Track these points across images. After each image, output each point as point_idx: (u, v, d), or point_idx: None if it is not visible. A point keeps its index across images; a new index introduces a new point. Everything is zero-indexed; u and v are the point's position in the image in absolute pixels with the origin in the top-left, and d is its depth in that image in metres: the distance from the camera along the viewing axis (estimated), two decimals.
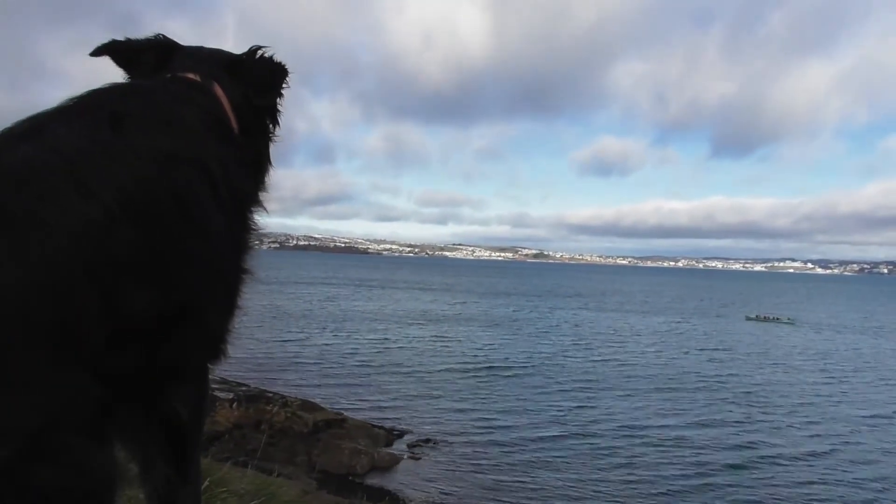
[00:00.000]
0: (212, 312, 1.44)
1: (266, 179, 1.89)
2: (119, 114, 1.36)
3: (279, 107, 1.93)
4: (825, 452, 19.57)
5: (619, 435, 20.26)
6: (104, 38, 1.80)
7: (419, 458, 17.80)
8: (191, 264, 1.34)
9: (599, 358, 34.81)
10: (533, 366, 31.84)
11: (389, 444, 18.98)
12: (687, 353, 37.72)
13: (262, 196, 1.83)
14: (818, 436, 21.29)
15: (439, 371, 29.59)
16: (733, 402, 25.35)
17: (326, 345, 35.66)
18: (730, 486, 16.43)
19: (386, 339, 38.88)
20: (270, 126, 1.92)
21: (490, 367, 30.86)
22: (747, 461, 18.37)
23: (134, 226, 1.21)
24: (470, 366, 31.07)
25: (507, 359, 33.45)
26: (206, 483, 2.29)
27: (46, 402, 1.05)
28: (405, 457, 17.82)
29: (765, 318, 57.20)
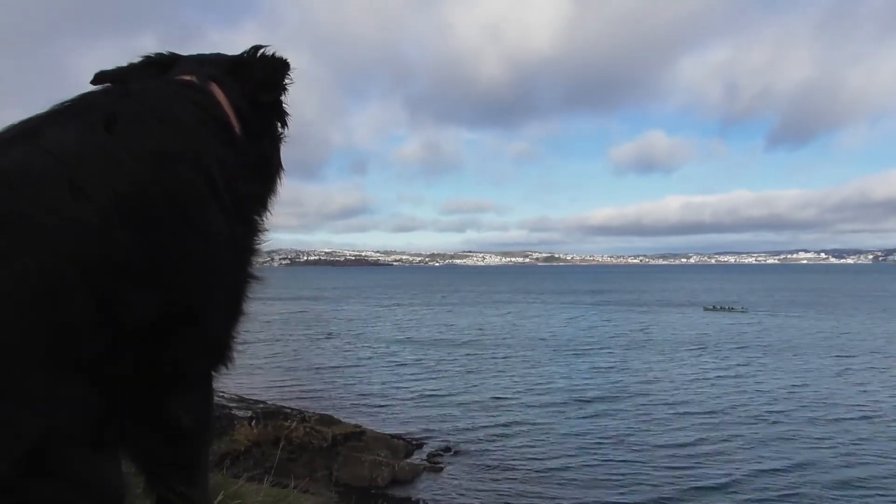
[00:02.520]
0: (213, 317, 1.39)
1: (276, 182, 1.82)
2: (112, 114, 1.32)
3: (285, 106, 1.86)
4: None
5: (663, 446, 19.88)
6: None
7: (441, 468, 17.66)
8: (189, 266, 1.30)
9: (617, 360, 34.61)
10: (556, 371, 31.66)
11: (409, 454, 18.86)
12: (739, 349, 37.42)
13: (271, 199, 1.77)
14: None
15: (457, 380, 29.46)
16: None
17: (340, 359, 35.65)
18: None
19: (396, 351, 38.81)
20: (279, 127, 1.86)
21: (508, 376, 30.73)
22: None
23: (129, 227, 1.17)
24: (490, 375, 30.92)
25: (527, 365, 33.31)
26: (221, 496, 2.23)
27: (44, 413, 1.00)
28: (425, 467, 17.70)
29: (721, 307, 63.43)
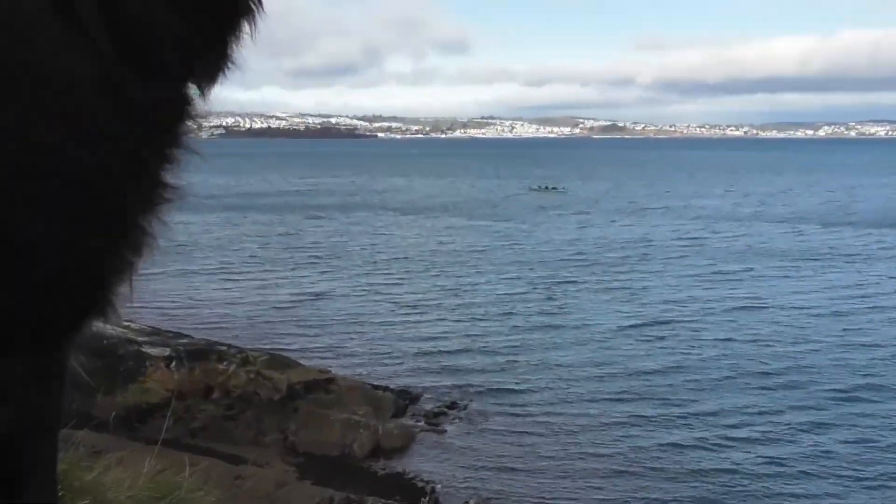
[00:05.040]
0: (80, 241, 1.27)
1: (239, 24, 1.44)
2: None
3: None
4: None
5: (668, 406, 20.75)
6: None
7: (442, 432, 18.19)
8: (38, 157, 1.18)
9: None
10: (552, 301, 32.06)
11: (400, 412, 19.25)
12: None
13: (227, 50, 1.44)
14: None
15: (458, 314, 30.03)
16: None
17: (300, 283, 35.94)
18: None
19: (380, 275, 38.72)
20: None
21: (516, 308, 31.30)
22: None
23: None
24: (494, 306, 31.37)
25: (530, 298, 33.96)
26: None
27: None
28: (422, 429, 18.22)
29: (545, 188, 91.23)
